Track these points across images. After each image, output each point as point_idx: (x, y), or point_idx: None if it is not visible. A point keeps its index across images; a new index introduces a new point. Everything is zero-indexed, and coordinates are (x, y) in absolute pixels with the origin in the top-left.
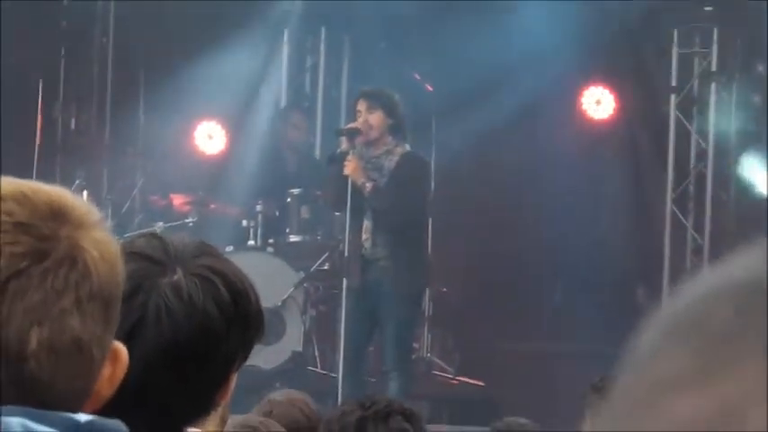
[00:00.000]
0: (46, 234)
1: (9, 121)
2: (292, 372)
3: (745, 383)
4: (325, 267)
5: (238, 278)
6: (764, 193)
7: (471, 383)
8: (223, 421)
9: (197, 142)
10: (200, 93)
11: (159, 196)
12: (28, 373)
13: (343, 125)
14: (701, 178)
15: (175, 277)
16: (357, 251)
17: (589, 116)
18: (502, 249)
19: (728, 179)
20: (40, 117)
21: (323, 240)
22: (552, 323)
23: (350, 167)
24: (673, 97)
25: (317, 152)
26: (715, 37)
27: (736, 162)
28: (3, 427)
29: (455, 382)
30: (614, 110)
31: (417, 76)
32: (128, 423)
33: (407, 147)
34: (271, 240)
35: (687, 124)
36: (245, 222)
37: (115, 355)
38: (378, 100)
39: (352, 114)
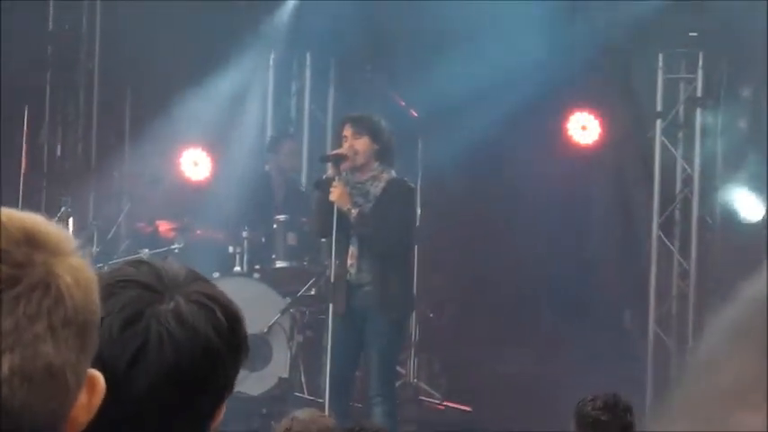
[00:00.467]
0: (19, 260)
1: None
2: (279, 398)
3: None
4: (312, 293)
5: (231, 304)
6: (749, 218)
7: (458, 408)
8: None
9: (183, 168)
10: (185, 119)
11: (145, 223)
12: None
13: (329, 151)
14: (686, 203)
15: (172, 304)
16: (342, 277)
17: (575, 141)
18: (489, 273)
19: (714, 204)
20: (25, 142)
21: (309, 266)
22: (540, 347)
23: (336, 193)
24: (658, 122)
25: (303, 178)
26: (700, 62)
27: (721, 187)
28: None
29: (442, 407)
30: (599, 135)
31: (402, 102)
32: None
33: (393, 173)
34: (257, 266)
35: (673, 149)
36: (231, 248)
37: (92, 383)
38: (364, 125)
39: (338, 140)
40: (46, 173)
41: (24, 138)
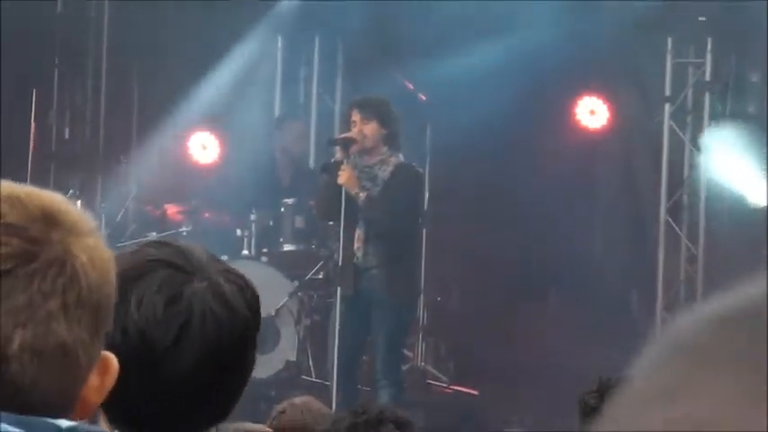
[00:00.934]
0: (35, 237)
1: (3, 129)
2: (287, 380)
3: (716, 403)
4: (320, 276)
5: (253, 285)
6: (757, 202)
7: (465, 392)
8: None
9: (191, 152)
10: (193, 102)
11: (153, 206)
12: (9, 375)
13: (337, 134)
14: (694, 187)
15: (206, 284)
16: (350, 260)
17: (583, 126)
18: (497, 257)
19: (722, 189)
20: (34, 126)
21: (317, 249)
22: (547, 331)
23: (344, 177)
24: (667, 107)
25: (311, 161)
26: (709, 47)
27: (729, 172)
28: None
29: (449, 390)
30: (608, 120)
31: (411, 86)
32: (168, 419)
33: (401, 157)
34: (265, 250)
35: (681, 134)
36: (239, 232)
37: (105, 364)
38: (372, 110)
39: (347, 123)
40: (54, 156)
41: (33, 121)
